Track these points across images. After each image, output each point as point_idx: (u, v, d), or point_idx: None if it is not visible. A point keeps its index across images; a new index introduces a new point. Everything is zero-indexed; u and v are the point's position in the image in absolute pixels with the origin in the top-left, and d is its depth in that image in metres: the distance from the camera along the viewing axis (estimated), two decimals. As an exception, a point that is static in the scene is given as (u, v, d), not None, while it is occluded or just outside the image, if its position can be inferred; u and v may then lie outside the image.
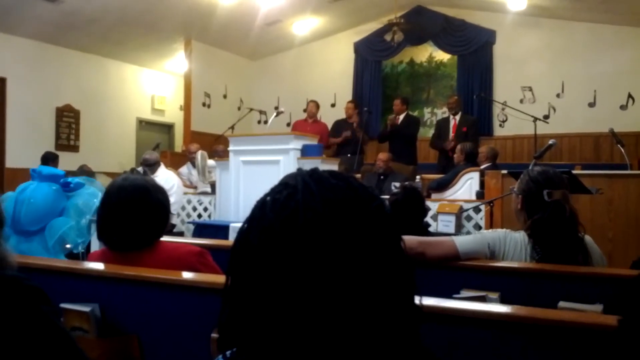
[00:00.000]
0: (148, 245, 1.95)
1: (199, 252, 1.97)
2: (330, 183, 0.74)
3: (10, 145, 8.46)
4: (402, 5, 9.58)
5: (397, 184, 4.01)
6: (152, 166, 6.42)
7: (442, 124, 8.00)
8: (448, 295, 1.77)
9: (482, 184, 5.61)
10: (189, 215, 6.64)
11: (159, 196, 2.01)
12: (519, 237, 2.23)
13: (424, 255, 2.21)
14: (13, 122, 8.52)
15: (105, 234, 1.96)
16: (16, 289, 0.98)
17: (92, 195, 2.80)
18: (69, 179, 2.81)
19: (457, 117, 7.73)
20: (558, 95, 9.00)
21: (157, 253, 1.94)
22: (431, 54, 10.05)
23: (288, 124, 9.82)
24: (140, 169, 6.83)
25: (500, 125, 9.49)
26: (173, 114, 11.45)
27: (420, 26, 9.52)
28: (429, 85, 10.11)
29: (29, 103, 8.78)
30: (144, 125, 11.00)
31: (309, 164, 4.96)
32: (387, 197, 3.46)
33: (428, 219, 5.12)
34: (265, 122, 9.91)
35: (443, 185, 6.16)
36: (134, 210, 1.92)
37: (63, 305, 1.76)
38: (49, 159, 7.84)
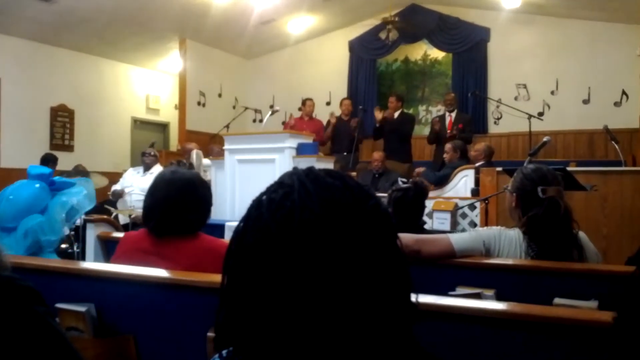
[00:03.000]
0: (190, 233, 2.05)
1: None
2: (327, 182, 0.74)
3: (5, 146, 8.43)
4: (397, 3, 9.59)
5: (404, 179, 3.96)
6: (150, 157, 6.55)
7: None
8: (444, 293, 1.77)
9: (477, 181, 5.62)
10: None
11: (205, 192, 2.15)
12: (514, 234, 2.24)
13: (420, 253, 2.21)
14: (7, 122, 8.49)
15: (149, 220, 2.05)
16: (10, 290, 0.97)
17: (74, 194, 2.78)
18: (56, 178, 2.79)
19: (453, 115, 7.75)
20: (552, 93, 9.02)
21: (199, 241, 2.04)
22: (426, 52, 10.06)
23: (283, 123, 9.82)
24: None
25: (495, 123, 9.51)
26: (168, 113, 11.43)
27: (415, 24, 9.53)
28: (424, 83, 10.12)
29: (23, 103, 8.75)
30: (138, 124, 10.97)
31: (304, 163, 4.98)
32: (383, 195, 3.44)
33: (423, 216, 5.11)
34: (261, 120, 9.90)
35: (442, 181, 6.17)
36: (180, 201, 2.03)
37: (58, 305, 1.75)
38: (48, 160, 7.85)
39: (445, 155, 6.58)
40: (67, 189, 2.78)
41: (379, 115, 7.88)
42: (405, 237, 2.23)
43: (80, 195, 2.76)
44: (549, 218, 2.16)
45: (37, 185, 2.71)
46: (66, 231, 2.85)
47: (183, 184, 2.07)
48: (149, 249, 2.00)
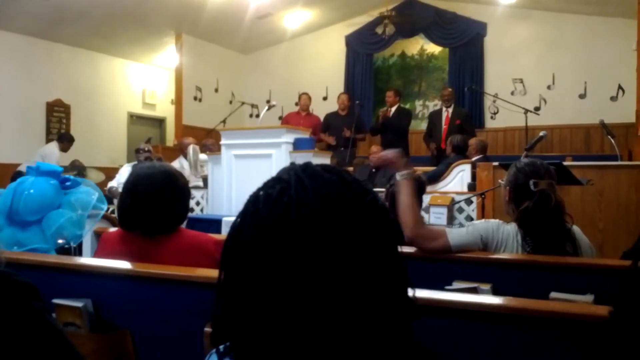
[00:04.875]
0: (172, 230, 2.01)
1: (217, 241, 2.03)
2: (324, 178, 0.74)
3: (1, 141, 8.40)
4: (393, -3, 9.58)
5: (402, 173, 3.93)
6: (144, 153, 6.53)
7: (435, 117, 8.00)
8: (440, 287, 1.78)
9: (473, 176, 5.63)
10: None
11: (184, 181, 2.11)
12: (511, 229, 2.25)
13: (417, 246, 2.24)
14: (3, 118, 8.46)
15: (133, 221, 1.99)
16: (6, 285, 0.97)
17: (86, 193, 2.81)
18: (68, 176, 2.83)
19: (450, 110, 7.75)
20: (549, 87, 9.03)
21: (180, 238, 2.00)
22: (422, 46, 10.06)
23: (280, 118, 9.81)
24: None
25: (491, 118, 9.51)
26: (164, 108, 11.40)
27: (412, 19, 9.53)
28: (421, 78, 10.12)
29: (19, 98, 8.72)
30: (135, 119, 10.95)
31: (301, 158, 4.97)
32: (380, 190, 3.44)
33: (421, 211, 5.12)
34: (257, 115, 9.88)
35: (435, 178, 6.18)
36: (165, 195, 1.98)
37: (55, 300, 1.75)
38: (64, 139, 8.17)
39: (447, 148, 6.65)
40: (76, 189, 2.82)
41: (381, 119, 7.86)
42: (404, 230, 2.26)
43: (94, 195, 2.80)
44: (540, 211, 2.17)
45: (52, 183, 2.75)
46: (89, 228, 2.90)
47: (164, 176, 2.02)
48: (131, 251, 1.95)
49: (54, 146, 8.15)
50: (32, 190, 2.66)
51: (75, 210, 2.75)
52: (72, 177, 2.90)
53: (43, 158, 7.59)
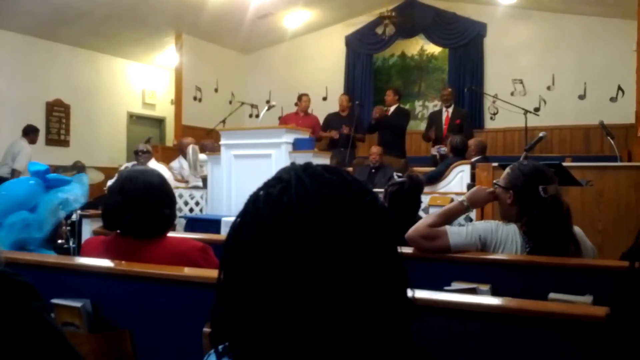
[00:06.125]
0: (156, 235, 1.99)
1: (201, 247, 2.00)
2: (324, 178, 0.74)
3: (1, 141, 8.39)
4: (393, -2, 9.58)
5: (400, 174, 3.93)
6: (144, 154, 6.54)
7: (435, 117, 7.98)
8: (439, 288, 1.78)
9: (472, 176, 5.63)
10: (180, 210, 6.61)
11: (170, 188, 2.10)
12: (510, 229, 2.24)
13: (417, 244, 2.25)
14: (3, 117, 8.45)
15: (120, 220, 1.98)
16: (5, 285, 0.97)
17: (65, 191, 2.75)
18: (51, 175, 2.76)
19: (450, 110, 7.74)
20: (549, 88, 9.03)
21: (163, 245, 1.98)
22: (422, 47, 10.06)
23: (279, 118, 9.81)
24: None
25: (491, 118, 9.52)
26: (164, 108, 11.40)
27: (412, 19, 9.53)
28: (420, 78, 10.12)
29: (19, 98, 8.71)
30: (134, 119, 10.94)
31: (300, 158, 4.98)
32: (379, 190, 3.43)
33: (419, 211, 5.11)
34: (257, 116, 9.88)
35: (435, 179, 6.18)
36: (155, 195, 1.98)
37: (54, 300, 1.75)
38: (29, 131, 7.98)
39: (446, 149, 6.66)
40: (62, 187, 2.76)
41: (376, 115, 7.85)
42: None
43: (75, 191, 2.74)
44: (553, 217, 2.15)
45: (32, 182, 2.70)
46: (63, 220, 2.83)
47: (156, 179, 2.03)
48: (114, 258, 1.94)
49: (23, 142, 7.97)
50: (3, 192, 2.62)
51: (45, 209, 2.67)
52: (59, 175, 2.84)
53: (14, 157, 7.56)
